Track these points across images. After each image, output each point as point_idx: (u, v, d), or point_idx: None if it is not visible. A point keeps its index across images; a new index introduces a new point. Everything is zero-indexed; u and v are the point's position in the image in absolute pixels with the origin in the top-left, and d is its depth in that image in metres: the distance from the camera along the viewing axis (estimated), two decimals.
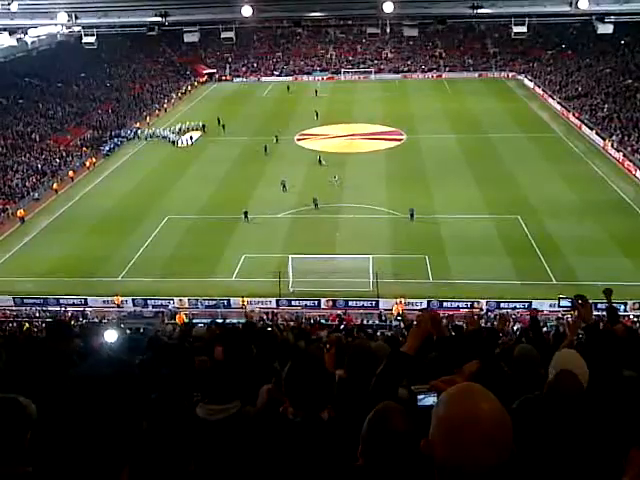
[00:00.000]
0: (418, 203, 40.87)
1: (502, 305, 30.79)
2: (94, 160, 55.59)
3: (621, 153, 50.12)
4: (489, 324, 23.93)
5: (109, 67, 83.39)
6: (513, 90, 78.83)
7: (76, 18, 26.11)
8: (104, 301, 32.77)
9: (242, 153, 55.63)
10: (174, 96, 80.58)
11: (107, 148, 58.76)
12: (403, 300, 30.56)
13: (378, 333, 21.94)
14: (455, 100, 73.28)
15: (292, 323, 23.37)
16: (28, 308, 32.30)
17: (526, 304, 30.54)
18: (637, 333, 9.67)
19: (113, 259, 36.32)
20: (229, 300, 32.15)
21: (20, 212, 43.22)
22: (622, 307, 29.42)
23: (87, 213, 43.61)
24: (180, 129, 62.69)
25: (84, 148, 58.16)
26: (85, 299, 32.82)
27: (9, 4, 24.31)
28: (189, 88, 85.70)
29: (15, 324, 26.60)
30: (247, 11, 24.81)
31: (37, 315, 31.10)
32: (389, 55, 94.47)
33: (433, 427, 1.82)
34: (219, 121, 63.88)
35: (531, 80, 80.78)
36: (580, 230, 37.14)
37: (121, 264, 35.72)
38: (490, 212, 40.67)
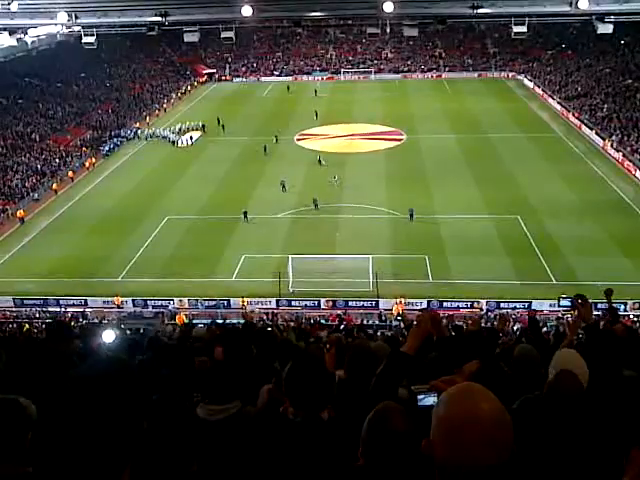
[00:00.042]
0: (418, 203, 40.88)
1: (502, 305, 30.79)
2: (94, 160, 55.59)
3: (621, 153, 50.13)
4: (489, 324, 23.93)
5: (109, 67, 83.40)
6: (513, 90, 78.85)
7: (76, 18, 26.11)
8: (104, 302, 32.74)
9: (242, 153, 55.63)
10: (174, 96, 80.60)
11: (107, 148, 58.75)
12: (403, 300, 30.56)
13: (378, 333, 21.95)
14: (455, 100, 73.29)
15: (292, 323, 23.37)
16: (28, 309, 32.28)
17: (526, 304, 30.56)
18: (637, 333, 9.67)
19: (113, 259, 36.31)
20: (229, 300, 32.15)
21: (20, 212, 43.21)
22: (622, 307, 29.41)
23: (87, 213, 43.60)
24: (180, 129, 62.70)
25: (84, 148, 58.16)
26: (85, 300, 32.81)
27: (9, 4, 24.31)
28: (189, 88, 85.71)
29: (15, 325, 26.59)
30: (247, 11, 24.82)
31: (37, 316, 31.07)
32: (389, 55, 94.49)
33: (433, 427, 1.82)
34: (219, 121, 63.89)
35: (531, 80, 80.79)
36: (580, 230, 37.15)
37: (121, 264, 35.72)
38: (490, 212, 40.68)
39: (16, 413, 2.56)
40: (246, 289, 32.51)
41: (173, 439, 2.71)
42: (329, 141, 58.89)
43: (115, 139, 61.39)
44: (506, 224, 38.74)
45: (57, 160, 54.24)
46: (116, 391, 1.81)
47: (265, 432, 3.13)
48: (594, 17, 27.75)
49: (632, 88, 62.32)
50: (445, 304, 30.72)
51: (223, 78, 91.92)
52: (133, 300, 32.72)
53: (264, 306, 31.80)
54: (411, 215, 39.36)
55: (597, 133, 55.65)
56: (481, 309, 30.70)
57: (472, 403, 1.77)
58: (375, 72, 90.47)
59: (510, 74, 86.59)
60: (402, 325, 23.48)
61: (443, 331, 5.11)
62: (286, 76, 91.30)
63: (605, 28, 27.96)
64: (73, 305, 32.51)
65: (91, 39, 30.01)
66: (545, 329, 22.58)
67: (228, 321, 24.80)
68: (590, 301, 5.71)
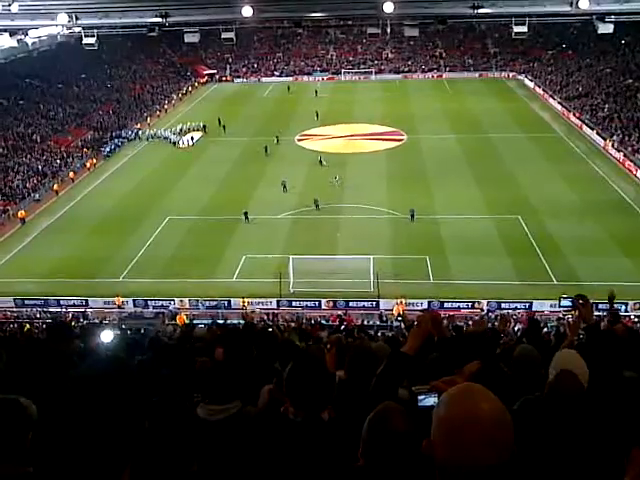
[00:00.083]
0: (418, 203, 40.87)
1: (503, 305, 30.77)
2: (95, 161, 55.63)
3: (622, 153, 50.11)
4: (490, 324, 23.90)
5: (109, 68, 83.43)
6: (513, 90, 78.84)
7: (76, 19, 26.10)
8: (105, 302, 32.75)
9: (243, 154, 55.65)
10: (174, 97, 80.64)
11: (108, 149, 58.77)
12: (404, 300, 30.54)
13: (379, 334, 21.94)
14: (455, 100, 73.29)
15: (292, 324, 23.36)
16: (29, 309, 32.29)
17: (527, 304, 30.55)
18: (637, 333, 9.65)
19: (114, 260, 36.33)
20: (230, 301, 32.15)
21: (21, 213, 43.24)
22: (623, 307, 29.39)
23: (88, 214, 43.62)
24: (181, 130, 62.72)
25: (85, 149, 58.20)
26: (86, 300, 32.81)
27: (9, 5, 24.31)
28: (189, 89, 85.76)
29: (16, 325, 26.59)
30: (247, 11, 24.80)
31: (38, 316, 31.08)
32: (389, 55, 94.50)
33: (434, 427, 1.82)
34: (220, 122, 63.92)
35: (531, 80, 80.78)
36: (581, 230, 37.13)
37: (122, 265, 35.73)
38: (490, 212, 40.67)
39: (17, 413, 2.56)
40: (247, 289, 32.52)
41: (173, 439, 2.71)
42: (330, 141, 58.90)
43: (116, 140, 61.42)
44: (507, 224, 38.73)
45: (58, 161, 54.29)
46: (115, 391, 1.81)
47: (265, 432, 3.13)
48: (595, 17, 27.73)
49: (633, 88, 62.30)
50: (446, 304, 30.70)
51: (224, 79, 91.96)
52: (134, 300, 32.73)
53: (265, 306, 31.81)
54: (412, 215, 39.35)
55: (598, 133, 55.63)
56: (482, 309, 30.69)
57: (473, 403, 1.77)
58: (376, 72, 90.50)
59: (511, 74, 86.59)
60: (403, 326, 23.47)
61: (444, 332, 5.10)
62: (287, 76, 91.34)
63: (606, 28, 27.94)
64: (74, 305, 32.50)
65: (92, 40, 30.03)
66: (546, 329, 22.58)
67: (229, 321, 24.79)
68: (591, 301, 5.71)
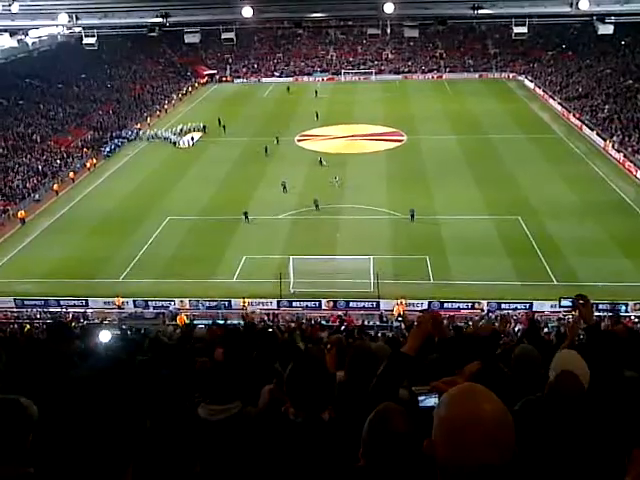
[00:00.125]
0: (419, 204, 40.87)
1: (503, 306, 30.76)
2: (95, 161, 55.63)
3: (622, 154, 50.11)
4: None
5: (110, 68, 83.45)
6: (513, 91, 78.87)
7: (77, 19, 26.10)
8: (105, 302, 32.75)
9: (243, 154, 55.66)
10: (175, 97, 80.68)
11: (108, 149, 58.79)
12: (404, 301, 30.55)
13: (379, 334, 21.94)
14: (455, 101, 73.32)
15: (292, 324, 23.35)
16: (29, 309, 32.28)
17: (527, 305, 30.55)
18: (638, 334, 9.66)
19: (114, 260, 36.33)
20: (230, 301, 32.15)
21: (21, 213, 43.23)
22: (623, 308, 29.41)
23: (88, 214, 43.62)
24: (181, 130, 62.72)
25: (85, 149, 58.21)
26: (86, 300, 32.82)
27: (10, 5, 24.32)
28: (190, 89, 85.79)
29: (16, 325, 26.58)
30: (247, 12, 24.80)
31: (38, 316, 31.07)
32: (389, 56, 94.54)
33: (435, 428, 1.81)
34: (220, 122, 63.95)
35: (532, 81, 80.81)
36: (581, 231, 37.13)
37: (122, 265, 35.73)
38: (491, 213, 40.68)
39: (17, 413, 2.56)
40: (247, 290, 32.52)
41: (175, 439, 2.71)
42: (330, 142, 58.91)
43: (116, 140, 61.43)
44: (507, 225, 38.73)
45: (58, 161, 54.30)
46: (116, 391, 1.81)
47: (266, 432, 3.13)
48: (595, 18, 27.73)
49: (633, 89, 62.30)
50: (446, 305, 30.70)
51: (224, 79, 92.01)
52: (134, 301, 32.72)
53: (265, 307, 31.81)
54: (412, 216, 39.35)
55: (598, 134, 55.65)
56: (482, 310, 30.70)
57: (474, 404, 1.77)
58: (376, 73, 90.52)
59: (511, 75, 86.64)
60: (403, 326, 23.49)
61: (444, 332, 5.10)
62: (287, 77, 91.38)
63: (606, 29, 27.94)
64: (74, 306, 32.49)
65: (92, 40, 30.02)
66: (546, 330, 22.59)
67: (229, 322, 24.79)
68: (591, 301, 5.70)
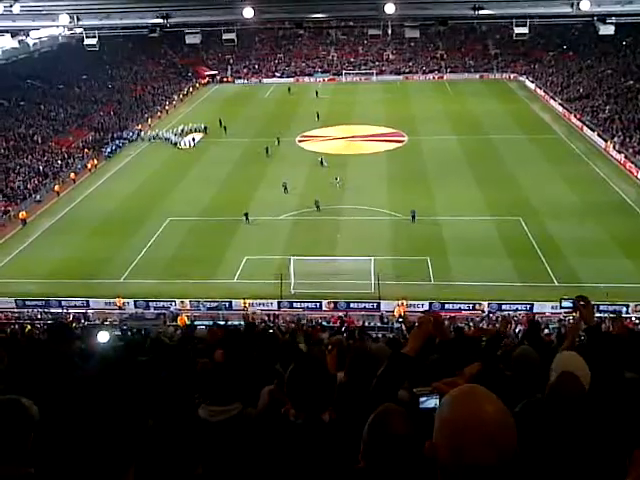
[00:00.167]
0: (419, 204, 40.86)
1: (504, 307, 30.74)
2: (96, 162, 55.64)
3: (623, 155, 50.08)
4: (490, 326, 23.92)
5: (111, 69, 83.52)
6: (514, 91, 78.84)
7: (78, 20, 26.16)
8: (106, 303, 32.74)
9: (244, 155, 55.67)
10: (176, 98, 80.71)
11: (109, 150, 58.82)
12: (405, 302, 30.53)
13: (379, 335, 21.93)
14: (456, 101, 73.31)
15: (292, 325, 23.34)
16: (30, 310, 32.30)
17: (528, 306, 30.52)
18: (639, 335, 9.65)
19: (115, 261, 36.33)
20: (231, 302, 32.13)
21: (22, 214, 43.24)
22: (624, 309, 29.38)
23: (89, 215, 43.63)
24: (182, 131, 62.71)
25: (86, 150, 58.22)
26: (87, 301, 32.81)
27: (11, 6, 24.37)
28: (191, 90, 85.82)
29: (17, 326, 26.58)
30: (248, 12, 24.83)
31: (39, 317, 31.08)
32: (390, 56, 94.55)
33: (436, 429, 1.82)
34: (221, 123, 63.98)
35: (532, 81, 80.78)
36: (582, 231, 37.10)
37: (123, 266, 35.73)
38: (491, 213, 40.66)
39: (18, 413, 2.56)
40: (248, 291, 32.51)
41: (176, 439, 2.71)
42: (331, 142, 58.91)
43: (117, 141, 61.47)
44: (508, 225, 38.71)
45: (59, 162, 54.32)
46: (117, 391, 1.81)
47: (266, 433, 3.13)
48: (596, 18, 27.76)
49: (634, 89, 62.26)
50: (447, 306, 30.67)
51: (225, 80, 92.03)
52: (135, 301, 32.72)
53: (266, 308, 31.80)
54: (413, 216, 39.33)
55: (599, 135, 55.60)
56: (483, 311, 30.68)
57: (475, 405, 1.77)
58: (376, 73, 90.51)
59: (512, 75, 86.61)
60: (404, 327, 23.48)
61: (445, 333, 5.10)
62: (288, 78, 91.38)
63: (607, 29, 27.97)
64: (75, 306, 32.49)
65: (93, 41, 30.08)
66: (547, 331, 22.58)
67: (230, 323, 24.79)
68: (592, 303, 5.70)
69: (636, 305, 29.81)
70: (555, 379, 3.65)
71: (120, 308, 32.44)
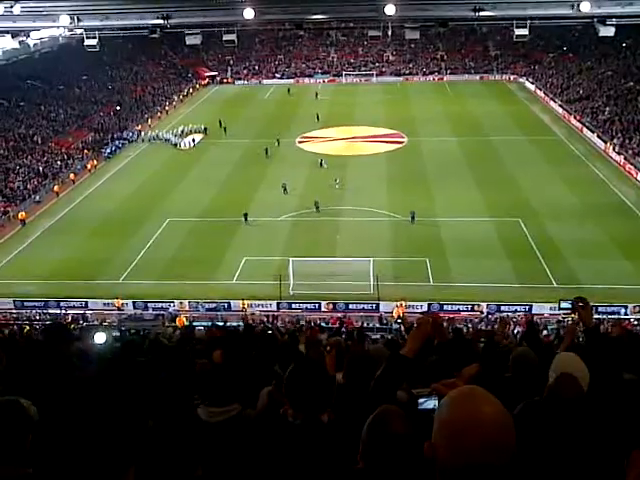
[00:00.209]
0: (419, 206, 40.87)
1: (502, 308, 30.75)
2: (95, 163, 55.64)
3: (622, 156, 50.11)
4: (489, 327, 23.92)
5: (111, 70, 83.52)
6: (514, 93, 78.90)
7: (78, 21, 26.15)
8: (105, 304, 32.72)
9: (243, 156, 55.68)
10: (176, 98, 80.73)
11: (108, 151, 58.82)
12: (404, 303, 30.54)
13: (378, 336, 21.92)
14: (456, 103, 73.34)
15: (290, 325, 23.36)
16: (28, 311, 32.28)
17: (527, 307, 30.53)
18: (637, 336, 9.65)
19: (114, 262, 36.32)
20: (229, 303, 32.13)
21: (21, 214, 43.23)
22: (623, 310, 29.40)
23: (88, 216, 43.63)
24: (182, 132, 62.72)
25: (85, 151, 58.22)
26: (86, 302, 32.79)
27: (11, 6, 24.37)
28: (191, 90, 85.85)
29: (15, 327, 26.57)
30: (249, 14, 24.83)
31: (37, 318, 31.06)
32: (390, 58, 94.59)
33: (435, 430, 1.82)
34: (221, 124, 64.01)
35: (532, 83, 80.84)
36: (581, 233, 37.12)
37: (122, 267, 35.72)
38: (491, 215, 40.68)
39: (17, 414, 2.56)
40: (247, 292, 32.51)
41: (175, 440, 2.71)
42: (330, 144, 58.93)
43: (117, 141, 61.47)
44: (507, 227, 38.72)
45: (59, 162, 54.31)
46: (116, 392, 1.82)
47: (265, 434, 3.13)
48: (596, 20, 27.76)
49: (634, 91, 62.29)
50: (446, 307, 30.70)
51: (225, 81, 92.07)
52: (134, 302, 32.70)
53: (265, 309, 31.80)
54: (412, 218, 39.34)
55: (599, 136, 55.63)
56: (481, 312, 30.68)
57: (475, 406, 1.77)
58: (377, 75, 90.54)
59: (512, 77, 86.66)
60: (402, 328, 23.46)
61: (444, 334, 5.10)
62: (288, 79, 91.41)
63: (607, 31, 27.98)
64: (74, 307, 32.48)
65: (93, 42, 30.06)
66: (546, 332, 22.60)
67: (228, 324, 24.79)
68: (590, 304, 5.70)
69: (635, 306, 29.83)
70: (554, 380, 3.66)
71: (119, 309, 32.43)
